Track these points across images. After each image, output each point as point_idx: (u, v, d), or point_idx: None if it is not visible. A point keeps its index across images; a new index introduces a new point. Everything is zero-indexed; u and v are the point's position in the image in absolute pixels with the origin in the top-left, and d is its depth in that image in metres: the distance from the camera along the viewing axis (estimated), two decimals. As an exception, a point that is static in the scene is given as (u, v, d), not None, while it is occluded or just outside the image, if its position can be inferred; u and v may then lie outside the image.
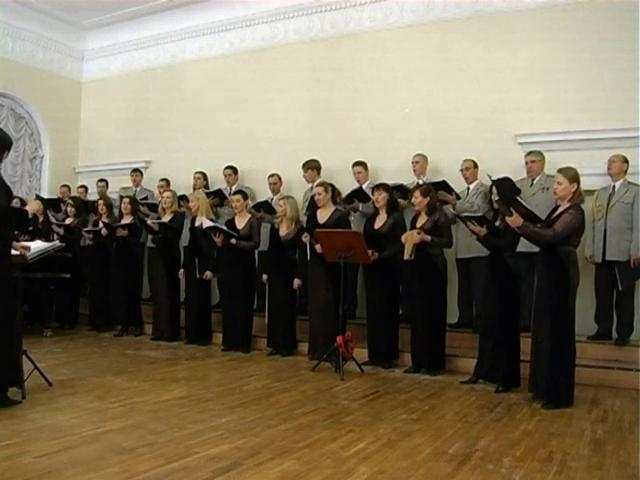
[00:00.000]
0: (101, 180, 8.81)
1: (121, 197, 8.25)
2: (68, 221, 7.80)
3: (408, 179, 6.58)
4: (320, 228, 5.74)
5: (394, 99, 7.27)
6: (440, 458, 3.16)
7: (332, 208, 5.99)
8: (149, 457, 3.04)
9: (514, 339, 4.80)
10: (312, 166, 7.18)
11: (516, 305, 4.84)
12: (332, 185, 6.19)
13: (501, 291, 4.78)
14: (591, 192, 5.79)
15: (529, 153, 6.03)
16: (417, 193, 5.42)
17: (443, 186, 6.05)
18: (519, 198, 4.47)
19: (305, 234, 5.94)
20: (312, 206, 6.47)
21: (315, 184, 6.30)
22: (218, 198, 7.34)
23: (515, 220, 4.30)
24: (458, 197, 6.12)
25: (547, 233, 4.24)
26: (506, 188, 4.85)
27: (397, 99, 7.25)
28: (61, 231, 7.31)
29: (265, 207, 6.94)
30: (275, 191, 7.33)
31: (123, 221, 7.33)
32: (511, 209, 4.32)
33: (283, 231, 6.23)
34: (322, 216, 5.97)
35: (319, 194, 5.93)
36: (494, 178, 4.69)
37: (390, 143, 7.04)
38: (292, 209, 6.22)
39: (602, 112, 6.02)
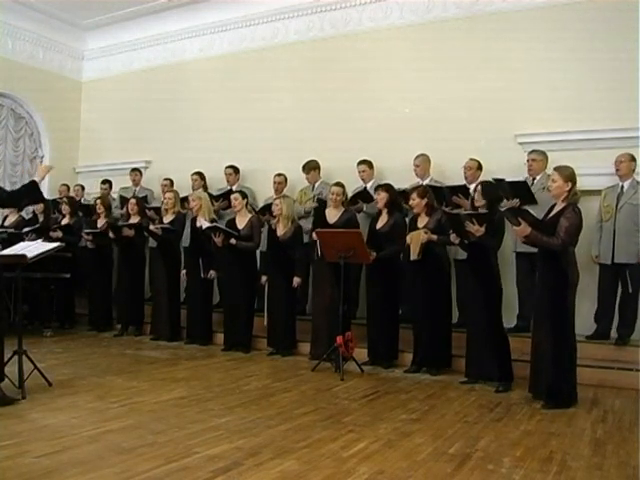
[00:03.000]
0: (104, 182, 8.75)
1: (121, 197, 8.28)
2: (64, 221, 7.78)
3: (410, 179, 6.58)
4: (329, 228, 5.76)
5: (394, 99, 7.25)
6: (440, 458, 3.16)
7: (342, 209, 6.00)
8: (149, 457, 3.04)
9: (502, 337, 4.86)
10: (313, 166, 7.18)
11: (499, 304, 4.88)
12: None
13: (485, 292, 4.82)
14: (591, 192, 5.79)
15: (531, 152, 6.01)
16: (414, 195, 5.42)
17: (462, 190, 5.97)
18: (527, 207, 4.47)
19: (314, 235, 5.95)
20: (319, 209, 6.48)
21: (332, 184, 6.25)
22: (227, 201, 7.26)
23: (523, 230, 4.29)
24: None
25: (555, 242, 4.22)
26: (491, 191, 4.88)
27: (397, 99, 7.24)
28: (60, 234, 7.28)
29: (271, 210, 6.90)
30: (279, 191, 7.29)
31: (130, 222, 7.32)
32: (519, 219, 4.31)
33: (280, 230, 6.23)
34: (332, 216, 5.98)
35: (337, 195, 5.93)
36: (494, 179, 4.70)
37: (391, 143, 7.03)
38: (288, 208, 6.23)
39: (602, 112, 6.00)
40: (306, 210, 6.91)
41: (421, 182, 6.43)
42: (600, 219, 5.67)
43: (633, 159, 5.61)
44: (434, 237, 5.24)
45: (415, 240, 5.24)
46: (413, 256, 5.24)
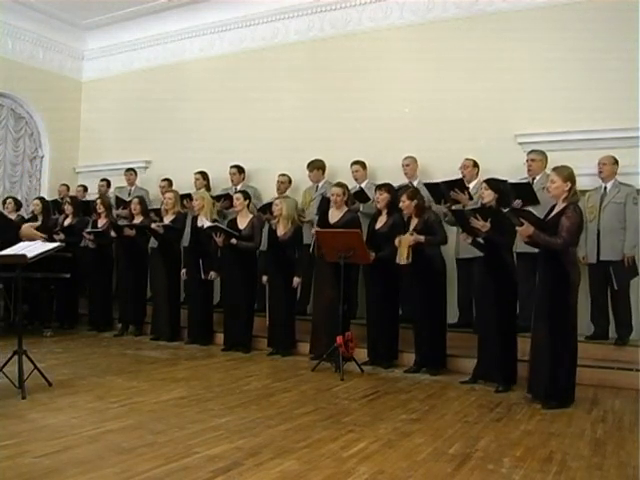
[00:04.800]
0: (103, 180, 8.82)
1: (117, 198, 8.28)
2: (67, 221, 7.79)
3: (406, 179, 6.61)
4: (330, 228, 5.76)
5: (394, 99, 7.26)
6: (440, 458, 3.16)
7: (344, 209, 5.99)
8: (149, 457, 3.04)
9: (511, 338, 4.83)
10: (317, 166, 7.19)
11: (513, 304, 4.86)
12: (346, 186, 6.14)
13: (498, 290, 4.79)
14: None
15: (530, 152, 6.03)
16: (404, 197, 5.42)
17: (459, 185, 5.99)
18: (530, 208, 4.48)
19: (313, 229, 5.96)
20: (322, 205, 6.47)
21: (333, 185, 6.25)
22: (228, 201, 7.28)
23: (526, 230, 4.29)
24: (471, 197, 6.07)
25: (557, 242, 4.22)
26: (499, 185, 4.88)
27: (397, 99, 7.25)
28: (62, 237, 7.27)
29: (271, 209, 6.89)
30: (281, 190, 7.29)
31: (133, 222, 7.32)
32: (521, 219, 4.31)
33: (280, 231, 6.23)
34: (333, 216, 5.97)
35: (337, 196, 5.91)
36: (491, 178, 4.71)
37: (391, 143, 7.04)
38: (288, 208, 6.23)
39: (602, 112, 6.01)
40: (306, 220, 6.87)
41: (412, 182, 6.48)
42: (585, 220, 5.69)
43: (616, 162, 5.66)
44: (421, 238, 5.23)
45: (403, 244, 5.24)
46: (402, 261, 5.24)
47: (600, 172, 5.70)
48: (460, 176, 6.16)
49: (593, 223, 5.67)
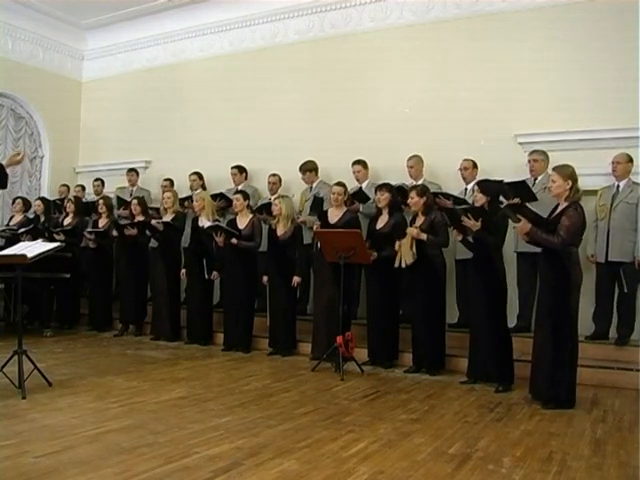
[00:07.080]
0: (97, 179, 8.83)
1: (118, 198, 8.29)
2: (67, 220, 7.79)
3: (408, 179, 6.60)
4: (330, 228, 5.76)
5: (394, 99, 7.26)
6: (440, 458, 3.16)
7: (344, 209, 5.99)
8: (149, 457, 3.04)
9: (504, 337, 4.84)
10: (310, 167, 7.18)
11: (503, 304, 4.87)
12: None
13: (487, 290, 4.80)
14: (592, 192, 5.78)
15: (532, 152, 6.02)
16: (413, 194, 5.42)
17: (457, 201, 5.99)
18: (527, 204, 4.48)
19: (316, 224, 5.98)
20: (315, 206, 6.46)
21: (334, 184, 6.23)
22: (224, 200, 7.32)
23: (523, 227, 4.29)
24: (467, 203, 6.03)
25: (555, 240, 4.21)
26: (490, 187, 4.89)
27: (397, 99, 7.25)
28: (62, 237, 7.27)
29: (267, 209, 6.92)
30: (274, 191, 7.31)
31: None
32: (518, 215, 4.31)
33: (280, 230, 6.23)
34: (333, 216, 5.97)
35: (338, 194, 5.91)
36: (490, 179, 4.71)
37: (390, 143, 7.03)
38: (287, 208, 6.24)
39: (602, 112, 6.01)
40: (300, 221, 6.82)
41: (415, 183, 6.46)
42: (595, 218, 5.68)
43: (630, 160, 5.62)
44: (423, 236, 5.23)
45: (405, 245, 5.24)
46: (405, 262, 5.23)
47: (614, 171, 5.66)
48: (464, 186, 6.18)
49: (603, 222, 5.62)
